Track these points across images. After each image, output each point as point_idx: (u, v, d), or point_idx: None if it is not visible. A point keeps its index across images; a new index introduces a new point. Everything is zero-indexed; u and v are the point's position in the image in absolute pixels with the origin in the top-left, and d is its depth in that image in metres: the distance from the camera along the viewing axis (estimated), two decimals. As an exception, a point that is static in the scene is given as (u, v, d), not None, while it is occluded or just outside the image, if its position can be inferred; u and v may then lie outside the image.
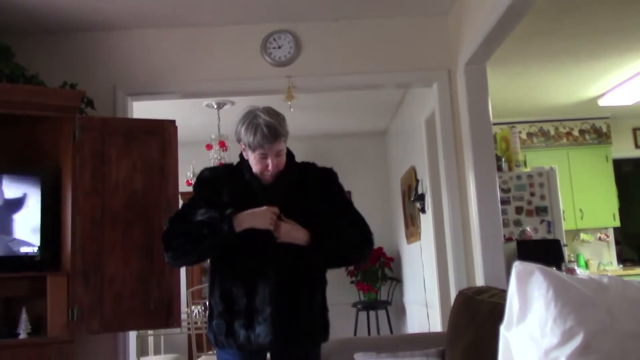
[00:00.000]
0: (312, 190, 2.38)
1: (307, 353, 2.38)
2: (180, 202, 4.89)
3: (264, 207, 2.23)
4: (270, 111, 2.28)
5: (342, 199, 2.45)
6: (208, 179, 2.40)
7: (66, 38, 3.99)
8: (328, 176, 2.45)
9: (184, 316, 4.92)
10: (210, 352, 5.00)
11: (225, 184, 2.36)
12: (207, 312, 2.44)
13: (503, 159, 5.29)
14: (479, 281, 3.71)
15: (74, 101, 3.47)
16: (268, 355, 2.44)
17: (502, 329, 1.47)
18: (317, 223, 2.29)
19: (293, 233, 2.25)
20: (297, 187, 2.37)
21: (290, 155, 2.39)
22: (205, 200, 2.33)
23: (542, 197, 5.23)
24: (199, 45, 4.08)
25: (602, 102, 6.15)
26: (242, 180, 2.35)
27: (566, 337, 1.33)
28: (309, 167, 2.46)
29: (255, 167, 2.30)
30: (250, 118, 2.25)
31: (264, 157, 2.26)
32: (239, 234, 2.22)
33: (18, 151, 3.54)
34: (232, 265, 2.31)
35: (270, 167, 2.27)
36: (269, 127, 2.21)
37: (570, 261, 5.87)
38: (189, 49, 4.07)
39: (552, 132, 6.83)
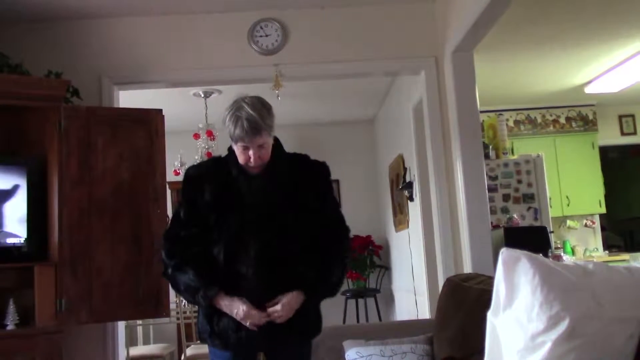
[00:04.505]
0: (301, 184, 2.34)
1: (300, 347, 2.37)
2: (169, 192, 4.89)
3: (246, 312, 2.18)
4: (255, 103, 2.22)
5: (328, 197, 2.42)
6: (192, 178, 2.36)
7: (51, 26, 3.94)
8: (320, 172, 2.40)
9: (173, 306, 4.91)
10: (199, 342, 5.00)
11: (209, 181, 2.32)
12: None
13: (490, 147, 5.31)
14: (467, 268, 3.73)
15: (59, 90, 3.44)
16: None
17: (490, 314, 1.49)
18: (302, 268, 2.26)
19: (292, 305, 2.22)
20: (286, 179, 2.32)
21: (278, 145, 2.35)
22: (191, 204, 2.32)
23: (529, 185, 5.26)
24: (185, 33, 4.04)
25: (588, 90, 6.17)
26: (228, 177, 2.31)
27: (552, 322, 1.35)
28: (301, 159, 2.41)
29: (239, 158, 2.28)
30: (235, 109, 2.21)
31: (245, 149, 2.23)
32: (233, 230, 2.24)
33: (3, 141, 3.50)
34: (215, 267, 2.27)
35: (252, 160, 2.24)
36: (249, 121, 2.17)
37: (556, 248, 5.91)
38: (175, 37, 4.04)
39: (539, 120, 6.86)
